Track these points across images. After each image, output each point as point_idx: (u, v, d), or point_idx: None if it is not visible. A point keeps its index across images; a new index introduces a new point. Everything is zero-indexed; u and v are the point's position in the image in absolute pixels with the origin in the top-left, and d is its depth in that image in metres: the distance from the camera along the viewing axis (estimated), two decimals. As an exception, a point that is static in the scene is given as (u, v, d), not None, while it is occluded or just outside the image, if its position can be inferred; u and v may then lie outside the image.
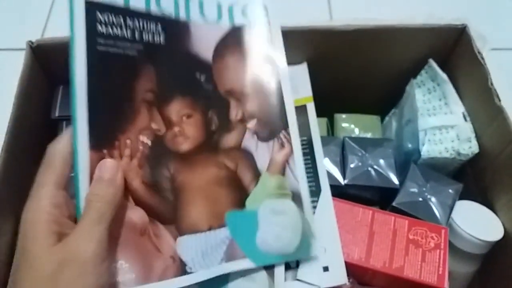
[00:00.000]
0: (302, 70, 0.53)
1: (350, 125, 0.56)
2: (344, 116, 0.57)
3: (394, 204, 0.45)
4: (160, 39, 0.36)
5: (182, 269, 0.34)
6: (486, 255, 0.46)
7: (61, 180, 0.31)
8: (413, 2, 0.85)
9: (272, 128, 0.40)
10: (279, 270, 0.39)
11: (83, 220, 0.29)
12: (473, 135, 0.49)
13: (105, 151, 0.32)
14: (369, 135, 0.56)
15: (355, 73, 0.57)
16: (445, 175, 0.49)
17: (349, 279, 0.41)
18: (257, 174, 0.39)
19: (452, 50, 0.54)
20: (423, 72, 0.55)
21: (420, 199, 0.46)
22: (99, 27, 0.33)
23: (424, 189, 0.46)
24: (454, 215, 0.45)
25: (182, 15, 0.38)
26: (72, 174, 0.31)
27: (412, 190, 0.46)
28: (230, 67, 0.39)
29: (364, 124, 0.56)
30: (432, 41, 0.53)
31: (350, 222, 0.43)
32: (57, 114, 0.51)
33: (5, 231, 0.43)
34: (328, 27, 0.52)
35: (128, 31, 0.34)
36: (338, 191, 0.46)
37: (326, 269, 0.41)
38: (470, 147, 0.49)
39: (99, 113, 0.32)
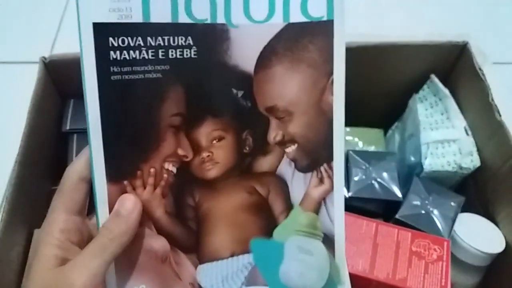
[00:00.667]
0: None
1: (354, 138, 0.57)
2: (348, 129, 0.58)
3: (397, 216, 0.46)
4: (191, 53, 0.31)
5: None
6: (488, 267, 0.47)
7: (71, 205, 0.30)
8: (416, 17, 0.87)
9: (314, 158, 0.35)
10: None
11: (84, 251, 0.29)
12: (474, 149, 0.51)
13: (125, 182, 0.31)
14: (372, 148, 0.57)
15: (359, 88, 0.58)
16: (447, 188, 0.50)
17: (353, 290, 0.42)
18: (289, 206, 0.36)
19: (454, 66, 0.55)
20: (425, 87, 0.56)
21: (423, 211, 0.47)
22: (112, 55, 0.29)
23: (426, 202, 0.47)
24: (457, 227, 0.46)
25: (221, 18, 0.32)
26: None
27: (415, 203, 0.47)
28: (275, 79, 0.33)
29: (368, 137, 0.57)
30: (433, 57, 0.55)
31: (354, 234, 0.44)
32: (68, 127, 0.53)
33: (17, 242, 0.44)
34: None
35: (150, 52, 0.30)
36: (342, 204, 0.47)
37: None
38: (472, 161, 0.50)
39: (117, 144, 0.30)
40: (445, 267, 0.42)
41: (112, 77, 0.29)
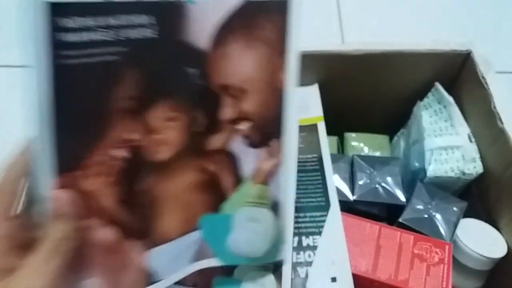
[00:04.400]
0: (314, 91, 0.56)
1: (359, 144, 0.59)
2: (354, 135, 0.59)
3: (400, 220, 0.48)
4: (150, 32, 0.29)
5: (150, 280, 0.34)
6: (491, 271, 0.47)
7: (7, 209, 0.28)
8: (421, 25, 0.88)
9: (265, 134, 0.36)
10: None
11: (32, 258, 0.27)
12: (477, 156, 0.52)
13: (75, 173, 0.29)
14: (378, 153, 0.58)
15: (365, 95, 0.60)
16: (450, 194, 0.51)
17: (355, 290, 0.43)
18: (239, 180, 0.36)
19: (458, 74, 0.56)
20: (430, 94, 0.57)
21: (426, 216, 0.48)
22: (61, 36, 0.26)
23: (429, 206, 0.48)
24: (459, 232, 0.47)
25: None
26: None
27: (418, 207, 0.48)
28: (230, 56, 0.33)
29: (373, 143, 0.59)
30: (438, 66, 0.56)
31: (358, 236, 0.46)
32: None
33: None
34: (339, 52, 0.55)
35: (108, 33, 0.28)
36: (346, 207, 0.48)
37: (334, 280, 0.42)
38: (475, 167, 0.51)
39: (66, 133, 0.28)
40: (446, 269, 0.43)
41: (60, 61, 0.26)
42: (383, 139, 0.60)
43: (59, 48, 0.26)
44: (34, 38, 0.25)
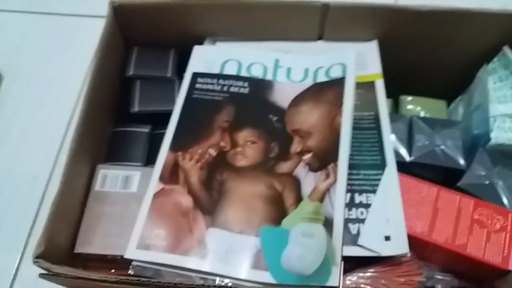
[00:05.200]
0: (373, 48, 0.53)
1: (416, 108, 0.56)
2: (409, 98, 0.56)
3: (459, 184, 0.45)
4: (245, 90, 0.50)
5: (203, 254, 0.40)
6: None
7: None
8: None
9: (324, 160, 0.43)
10: (338, 230, 0.40)
11: None
12: (545, 125, 0.48)
13: (180, 153, 0.46)
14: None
15: (425, 56, 0.57)
16: (511, 164, 0.48)
17: (409, 252, 0.41)
18: (299, 199, 0.42)
19: (529, 38, 0.52)
20: (495, 59, 0.54)
21: (487, 182, 0.45)
22: (197, 85, 0.51)
23: (491, 172, 0.46)
24: (521, 201, 0.44)
25: (269, 77, 0.51)
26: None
27: (479, 172, 0.46)
28: (302, 113, 0.47)
29: (430, 107, 0.56)
30: (507, 28, 0.52)
31: (414, 197, 0.43)
32: (131, 73, 0.53)
33: (81, 173, 0.45)
34: (402, 7, 0.52)
35: (218, 86, 0.50)
36: (401, 169, 0.46)
37: (387, 238, 0.41)
38: (542, 136, 0.48)
39: (183, 131, 0.47)
40: (508, 238, 0.41)
41: (193, 96, 0.50)
42: (440, 104, 0.57)
43: (193, 90, 0.51)
44: (184, 85, 0.51)
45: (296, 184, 0.43)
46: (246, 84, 0.50)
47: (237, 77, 0.51)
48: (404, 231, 0.41)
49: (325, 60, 0.51)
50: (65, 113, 0.70)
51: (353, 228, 0.42)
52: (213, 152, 0.46)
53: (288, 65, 0.52)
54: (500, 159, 0.47)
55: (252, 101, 0.49)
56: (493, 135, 0.49)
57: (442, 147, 0.47)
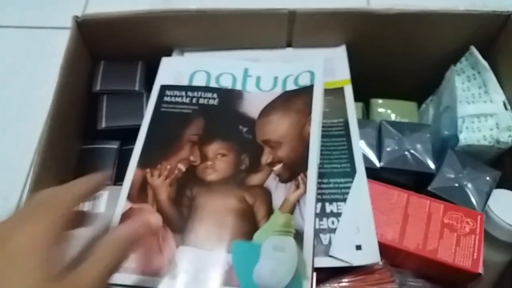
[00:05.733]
0: (341, 53, 0.53)
1: (386, 111, 0.56)
2: (380, 101, 0.57)
3: (429, 188, 0.45)
4: (214, 102, 0.49)
5: (174, 274, 0.39)
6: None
7: (64, 221, 0.29)
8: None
9: (294, 171, 0.43)
10: (308, 243, 0.39)
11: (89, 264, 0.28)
12: (513, 124, 0.49)
13: (148, 170, 0.45)
14: (405, 121, 0.55)
15: (394, 58, 0.57)
16: (483, 163, 0.48)
17: (381, 259, 0.41)
18: (270, 212, 0.41)
19: (495, 38, 0.53)
20: (463, 59, 0.54)
21: (456, 184, 0.45)
22: (166, 98, 0.50)
23: (460, 175, 0.46)
24: (491, 202, 0.45)
25: (239, 87, 0.50)
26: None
27: (449, 175, 0.46)
28: (271, 122, 0.46)
29: (401, 110, 0.56)
30: (474, 28, 0.53)
31: (384, 204, 0.44)
32: (98, 88, 0.53)
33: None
34: (369, 10, 0.52)
35: (187, 99, 0.49)
36: (372, 175, 0.46)
37: (359, 247, 0.41)
38: (510, 136, 0.48)
39: (152, 145, 0.46)
40: (477, 240, 0.41)
41: (161, 109, 0.49)
42: (411, 106, 0.57)
43: (162, 103, 0.49)
44: (151, 99, 0.50)
45: (267, 196, 0.42)
46: (215, 95, 0.49)
47: (206, 88, 0.50)
48: (375, 239, 0.41)
49: (294, 68, 0.50)
50: (34, 131, 0.69)
51: (325, 238, 0.41)
52: (182, 167, 0.45)
53: (257, 74, 0.51)
54: (469, 160, 0.47)
55: (221, 113, 0.48)
56: (462, 136, 0.49)
57: (411, 151, 0.47)
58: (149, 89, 0.52)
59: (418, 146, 0.47)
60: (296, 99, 0.48)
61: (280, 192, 0.42)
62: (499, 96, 0.50)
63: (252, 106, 0.48)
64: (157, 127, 0.47)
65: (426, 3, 0.52)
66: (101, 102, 0.52)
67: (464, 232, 0.42)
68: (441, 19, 0.52)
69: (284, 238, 0.39)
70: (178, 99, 0.49)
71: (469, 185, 0.45)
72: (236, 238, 0.40)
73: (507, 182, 0.48)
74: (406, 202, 0.44)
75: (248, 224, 0.41)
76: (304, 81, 0.49)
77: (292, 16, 0.52)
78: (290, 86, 0.49)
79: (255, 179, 0.43)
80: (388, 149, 0.48)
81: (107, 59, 0.55)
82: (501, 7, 0.52)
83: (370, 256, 0.41)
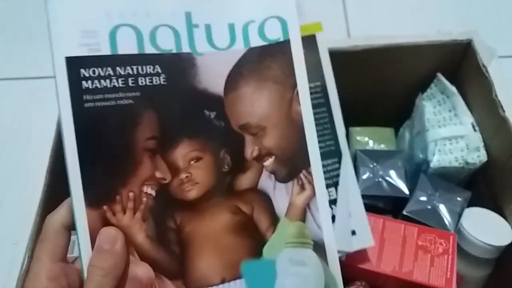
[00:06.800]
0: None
1: (364, 138, 0.59)
2: (358, 129, 0.60)
3: (404, 212, 0.48)
4: (160, 80, 0.33)
5: None
6: (498, 259, 0.48)
7: (56, 252, 0.31)
8: (426, 15, 0.87)
9: (292, 167, 0.36)
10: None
11: None
12: (481, 144, 0.52)
13: (105, 207, 0.31)
14: (383, 146, 0.59)
15: (369, 89, 0.60)
16: (456, 184, 0.51)
17: (362, 282, 0.44)
18: (275, 220, 0.35)
19: (459, 64, 0.56)
20: (432, 85, 0.57)
21: (429, 207, 0.48)
22: (84, 84, 0.31)
23: (433, 197, 0.49)
24: (464, 221, 0.47)
25: (185, 48, 0.35)
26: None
27: (422, 198, 0.49)
28: (244, 98, 0.35)
29: (378, 136, 0.59)
30: (439, 57, 0.56)
31: (361, 230, 0.46)
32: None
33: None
34: (338, 48, 0.55)
35: (119, 80, 0.32)
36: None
37: (353, 232, 0.41)
38: (479, 156, 0.51)
39: (94, 170, 0.31)
40: (450, 260, 0.44)
41: (85, 105, 0.31)
42: (388, 132, 0.60)
43: (81, 93, 0.31)
44: (61, 86, 0.31)
45: (265, 200, 0.35)
46: (157, 68, 0.33)
47: (142, 58, 0.33)
48: (367, 222, 0.41)
49: (254, 9, 0.36)
50: (40, 176, 0.73)
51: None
52: (150, 190, 0.32)
53: (205, 21, 0.35)
54: (441, 183, 0.50)
55: (174, 95, 0.34)
56: (435, 158, 0.52)
57: (386, 177, 0.50)
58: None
59: (392, 172, 0.51)
60: (268, 61, 0.36)
61: (281, 195, 0.36)
62: (468, 118, 0.54)
63: (212, 76, 0.35)
64: (90, 139, 0.31)
65: (396, 31, 0.55)
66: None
67: (438, 253, 0.44)
68: (407, 51, 0.55)
69: (302, 251, 0.33)
70: (106, 83, 0.32)
71: (441, 207, 0.48)
72: (244, 258, 0.34)
73: (482, 199, 0.51)
74: (382, 227, 0.47)
75: (253, 238, 0.35)
76: (273, 33, 0.36)
77: None
78: (255, 40, 0.36)
79: (245, 180, 0.35)
80: (364, 177, 0.51)
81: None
82: (465, 33, 0.55)
83: (364, 240, 0.41)
